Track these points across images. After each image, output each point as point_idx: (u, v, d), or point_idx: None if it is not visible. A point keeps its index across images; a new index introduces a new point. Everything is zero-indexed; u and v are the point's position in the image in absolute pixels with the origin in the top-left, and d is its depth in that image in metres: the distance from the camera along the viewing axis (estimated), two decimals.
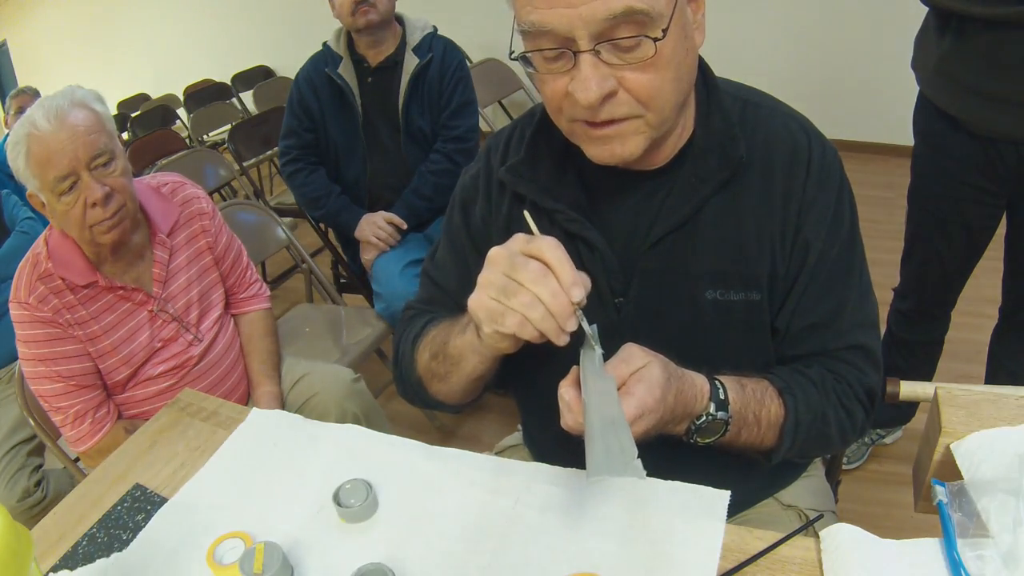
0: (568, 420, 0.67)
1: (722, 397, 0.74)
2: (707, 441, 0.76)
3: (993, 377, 1.65)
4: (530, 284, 0.63)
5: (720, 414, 0.74)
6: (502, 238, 0.87)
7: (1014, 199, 1.40)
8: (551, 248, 0.64)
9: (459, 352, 0.79)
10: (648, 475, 0.74)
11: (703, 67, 0.80)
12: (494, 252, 0.67)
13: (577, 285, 0.63)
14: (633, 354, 0.69)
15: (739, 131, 0.77)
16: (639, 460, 0.58)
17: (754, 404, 0.77)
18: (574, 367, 0.69)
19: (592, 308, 0.81)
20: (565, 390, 0.67)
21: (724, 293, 0.79)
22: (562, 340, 0.64)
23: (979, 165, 1.36)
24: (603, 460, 0.58)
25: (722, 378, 0.76)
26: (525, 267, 0.63)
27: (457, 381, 0.82)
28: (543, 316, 0.63)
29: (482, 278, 0.67)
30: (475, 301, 0.67)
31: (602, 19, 0.62)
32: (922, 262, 1.58)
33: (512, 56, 0.69)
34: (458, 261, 0.91)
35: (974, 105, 1.30)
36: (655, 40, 0.63)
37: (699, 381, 0.74)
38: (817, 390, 0.80)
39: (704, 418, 0.74)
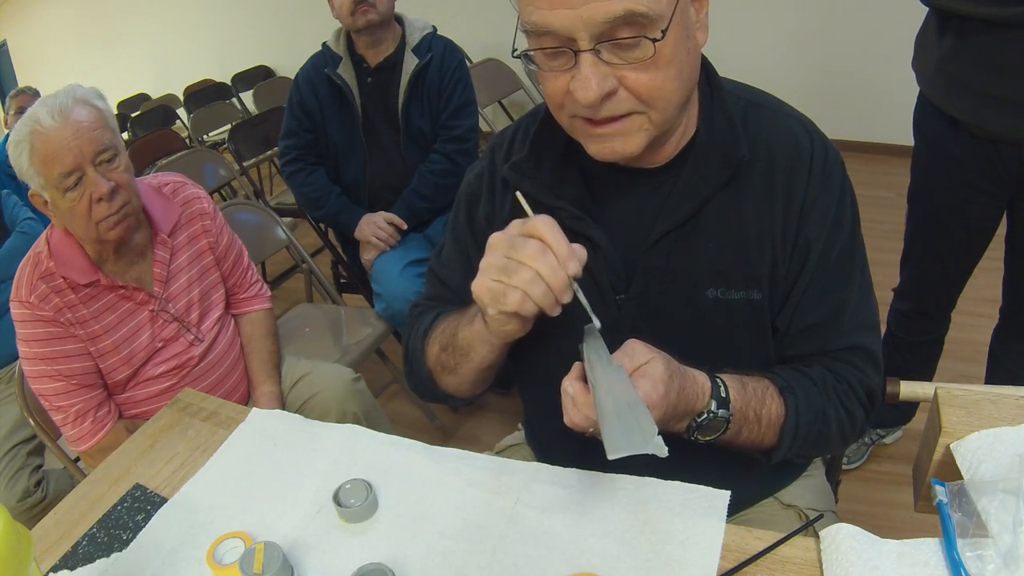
0: (572, 416, 0.67)
1: (723, 395, 0.74)
2: (708, 439, 0.76)
3: (993, 377, 1.65)
4: (531, 261, 0.65)
5: (721, 412, 0.74)
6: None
7: (1014, 199, 1.40)
8: (546, 226, 0.67)
9: (468, 343, 0.80)
10: (648, 475, 0.75)
11: (707, 67, 0.80)
12: (493, 237, 0.69)
13: (572, 259, 0.66)
14: (636, 350, 0.69)
15: (742, 131, 0.77)
16: (660, 437, 0.58)
17: (755, 402, 0.77)
18: (577, 363, 0.69)
19: (594, 305, 0.82)
20: (569, 383, 0.67)
21: (725, 292, 0.79)
22: (556, 311, 0.68)
23: (979, 165, 1.36)
24: (622, 437, 0.58)
25: (723, 376, 0.76)
26: (525, 246, 0.66)
27: (467, 372, 0.83)
28: (544, 292, 0.66)
29: (483, 263, 0.69)
30: (478, 285, 0.69)
31: (602, 21, 0.62)
32: (922, 262, 1.58)
33: (515, 54, 0.70)
34: (463, 259, 0.91)
35: (974, 106, 1.30)
36: (654, 41, 0.63)
37: (701, 379, 0.74)
38: (818, 389, 0.80)
39: (705, 416, 0.74)
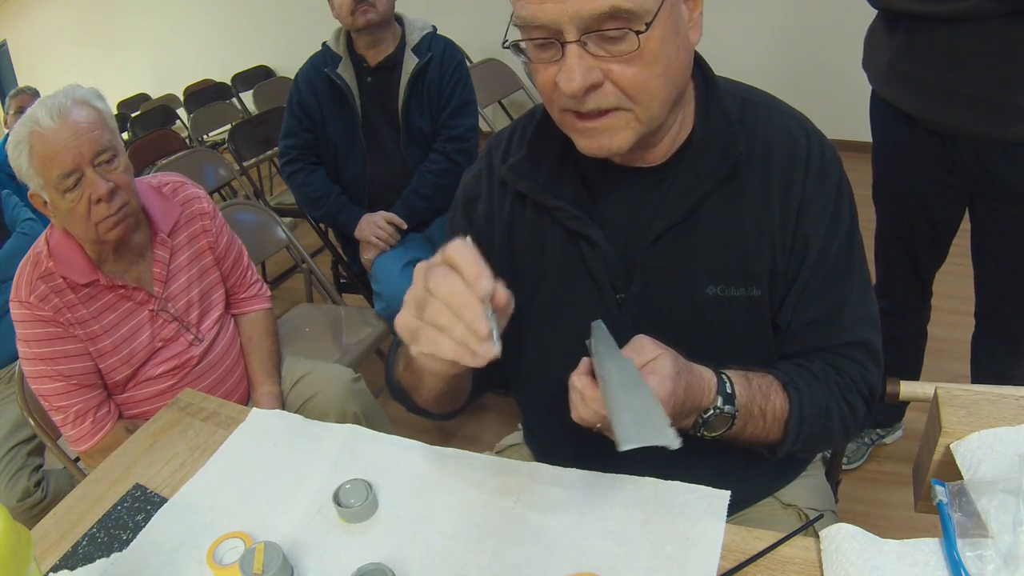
0: (581, 411, 0.67)
1: (729, 391, 0.75)
2: (713, 435, 0.76)
3: (977, 378, 1.64)
4: (435, 289, 0.58)
5: (727, 408, 0.74)
6: (505, 236, 0.86)
7: (975, 196, 1.40)
8: (455, 248, 0.59)
9: (419, 368, 0.75)
10: (648, 475, 0.75)
11: (703, 65, 0.80)
12: (418, 266, 0.63)
13: (483, 277, 0.58)
14: (644, 346, 0.69)
15: (738, 128, 0.78)
16: (672, 429, 0.57)
17: (760, 398, 0.77)
18: (584, 358, 0.69)
19: (593, 304, 0.82)
20: (577, 378, 0.67)
21: (725, 289, 0.79)
22: (482, 351, 0.57)
23: (938, 159, 1.36)
24: (633, 429, 0.57)
25: (728, 372, 0.76)
26: (434, 274, 0.59)
27: (427, 393, 0.80)
28: (451, 321, 0.57)
29: (407, 294, 0.62)
30: (398, 320, 0.62)
31: (587, 16, 0.63)
32: (891, 258, 1.58)
33: (505, 45, 0.71)
34: None
35: (929, 101, 1.30)
36: (638, 33, 0.64)
37: (707, 375, 0.74)
38: (820, 384, 0.81)
39: (711, 412, 0.74)
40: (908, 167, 1.42)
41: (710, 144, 0.78)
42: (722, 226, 0.78)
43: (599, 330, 0.71)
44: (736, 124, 0.78)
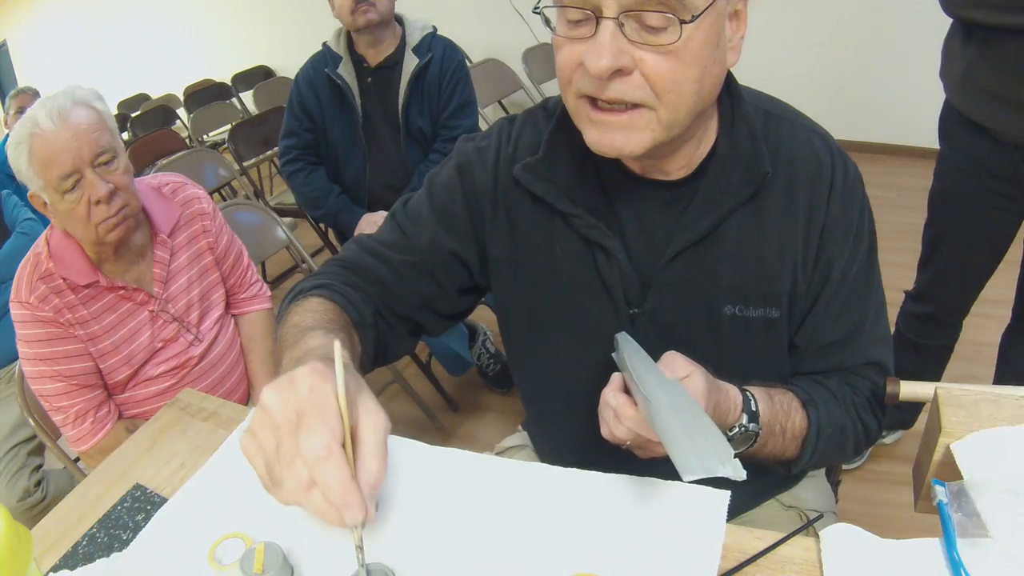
0: (614, 429, 0.65)
1: (754, 409, 0.74)
2: (735, 452, 0.76)
3: (1002, 378, 1.64)
4: (292, 493, 0.53)
5: (751, 426, 0.74)
6: (507, 223, 0.83)
7: None
8: (317, 462, 0.51)
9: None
10: (651, 474, 0.75)
11: (727, 77, 0.77)
12: (269, 399, 0.53)
13: (351, 507, 0.51)
14: (676, 363, 0.68)
15: (763, 145, 0.75)
16: (737, 460, 0.55)
17: (781, 416, 0.77)
18: (616, 374, 0.68)
19: (606, 318, 0.80)
20: (613, 395, 0.65)
21: (743, 309, 0.78)
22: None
23: (1005, 172, 1.36)
24: (693, 459, 0.54)
25: (752, 389, 0.76)
26: (291, 468, 0.52)
27: None
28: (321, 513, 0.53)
29: (254, 426, 0.54)
30: (245, 449, 0.55)
31: None
32: (942, 268, 1.57)
33: (535, 9, 0.66)
34: (435, 217, 0.86)
35: (1000, 112, 1.30)
36: (682, 22, 0.60)
37: (732, 392, 0.73)
38: (837, 403, 0.80)
39: (736, 430, 0.73)
40: (975, 178, 1.41)
41: (734, 160, 0.75)
42: (743, 245, 0.77)
43: (628, 344, 0.69)
44: (761, 141, 0.75)
